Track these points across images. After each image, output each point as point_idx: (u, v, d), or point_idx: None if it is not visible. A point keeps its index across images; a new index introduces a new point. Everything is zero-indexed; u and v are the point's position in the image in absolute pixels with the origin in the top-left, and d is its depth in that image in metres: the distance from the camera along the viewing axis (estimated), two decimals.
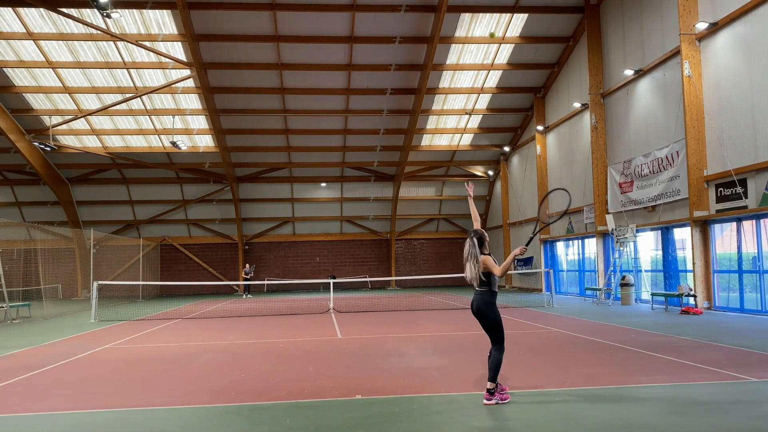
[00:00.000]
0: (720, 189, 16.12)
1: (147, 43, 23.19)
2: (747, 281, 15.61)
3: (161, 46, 23.88)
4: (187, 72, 24.65)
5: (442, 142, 31.65)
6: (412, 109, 28.09)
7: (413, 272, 36.02)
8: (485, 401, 6.41)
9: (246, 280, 30.01)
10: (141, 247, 31.74)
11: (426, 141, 31.40)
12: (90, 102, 27.23)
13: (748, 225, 15.63)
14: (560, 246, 27.55)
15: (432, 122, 29.98)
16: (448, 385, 7.49)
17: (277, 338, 12.68)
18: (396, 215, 35.16)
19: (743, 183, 15.21)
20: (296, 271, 35.24)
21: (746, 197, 15.10)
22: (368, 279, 32.25)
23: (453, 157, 33.00)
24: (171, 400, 7.07)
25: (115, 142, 30.00)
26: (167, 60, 24.28)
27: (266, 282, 32.36)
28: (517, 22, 23.92)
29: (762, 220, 15.06)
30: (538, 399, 6.63)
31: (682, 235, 18.44)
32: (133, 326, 16.01)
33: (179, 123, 28.70)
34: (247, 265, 31.70)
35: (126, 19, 22.71)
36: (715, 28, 16.10)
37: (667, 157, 18.35)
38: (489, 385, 6.47)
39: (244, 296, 30.19)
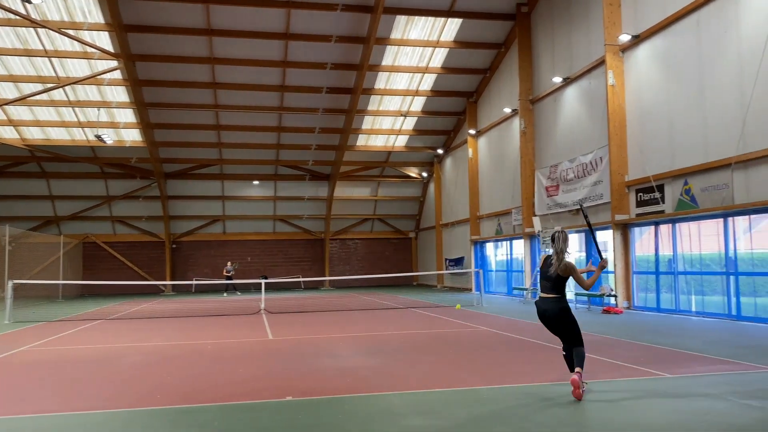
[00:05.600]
0: (640, 194, 16.92)
1: (71, 32, 22.13)
2: (663, 282, 16.47)
3: (86, 35, 22.85)
4: (114, 63, 23.69)
5: (378, 142, 31.78)
6: (348, 109, 28.07)
7: (347, 272, 35.97)
8: None
9: (228, 278, 29.59)
10: (62, 244, 30.25)
11: (362, 141, 31.44)
12: (7, 91, 25.69)
13: (665, 228, 16.47)
14: (490, 247, 28.21)
15: (368, 123, 30.04)
16: (380, 384, 7.53)
17: (205, 339, 12.37)
18: (331, 215, 35.04)
19: (661, 188, 16.03)
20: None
21: (663, 202, 15.92)
22: (301, 279, 31.96)
23: (388, 158, 33.21)
24: (91, 404, 6.77)
25: (35, 134, 28.46)
26: (93, 50, 23.27)
27: (194, 282, 31.65)
28: (452, 26, 24.33)
29: (677, 224, 15.92)
30: (465, 397, 6.76)
31: (604, 238, 19.23)
32: (53, 327, 15.24)
33: (105, 116, 27.53)
34: (229, 263, 31.17)
35: (48, 5, 21.60)
36: (637, 40, 16.88)
37: (591, 163, 19.11)
38: None
39: (225, 295, 29.67)
